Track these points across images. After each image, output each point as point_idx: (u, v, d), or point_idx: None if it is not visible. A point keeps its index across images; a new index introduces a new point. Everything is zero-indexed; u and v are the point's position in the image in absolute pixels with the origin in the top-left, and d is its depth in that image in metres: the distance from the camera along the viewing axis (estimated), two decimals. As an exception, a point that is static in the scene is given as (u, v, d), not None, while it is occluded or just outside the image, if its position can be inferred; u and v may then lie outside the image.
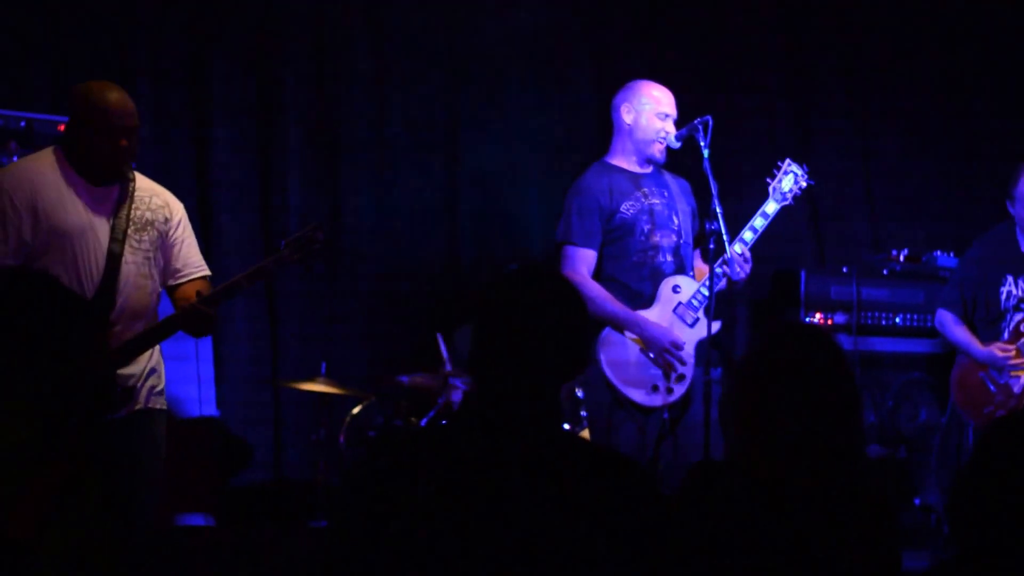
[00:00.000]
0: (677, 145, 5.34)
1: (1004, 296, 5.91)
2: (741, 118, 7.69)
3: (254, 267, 4.62)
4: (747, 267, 5.23)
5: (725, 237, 5.10)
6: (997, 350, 5.82)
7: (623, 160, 5.42)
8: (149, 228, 4.59)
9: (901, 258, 7.16)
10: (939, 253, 7.18)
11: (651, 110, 5.36)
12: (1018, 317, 5.84)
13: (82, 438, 2.71)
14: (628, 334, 5.23)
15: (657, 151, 5.36)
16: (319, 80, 7.36)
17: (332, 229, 7.25)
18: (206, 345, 6.79)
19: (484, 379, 2.59)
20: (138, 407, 4.52)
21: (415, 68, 7.44)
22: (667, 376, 5.23)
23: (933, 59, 7.98)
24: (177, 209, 4.71)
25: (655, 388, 5.23)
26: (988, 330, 5.95)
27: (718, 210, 5.07)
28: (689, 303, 5.29)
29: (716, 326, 5.25)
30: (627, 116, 5.39)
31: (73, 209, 4.47)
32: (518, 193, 7.47)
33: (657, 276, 5.32)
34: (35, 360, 2.75)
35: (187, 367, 6.65)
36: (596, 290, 5.23)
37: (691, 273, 5.39)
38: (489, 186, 7.51)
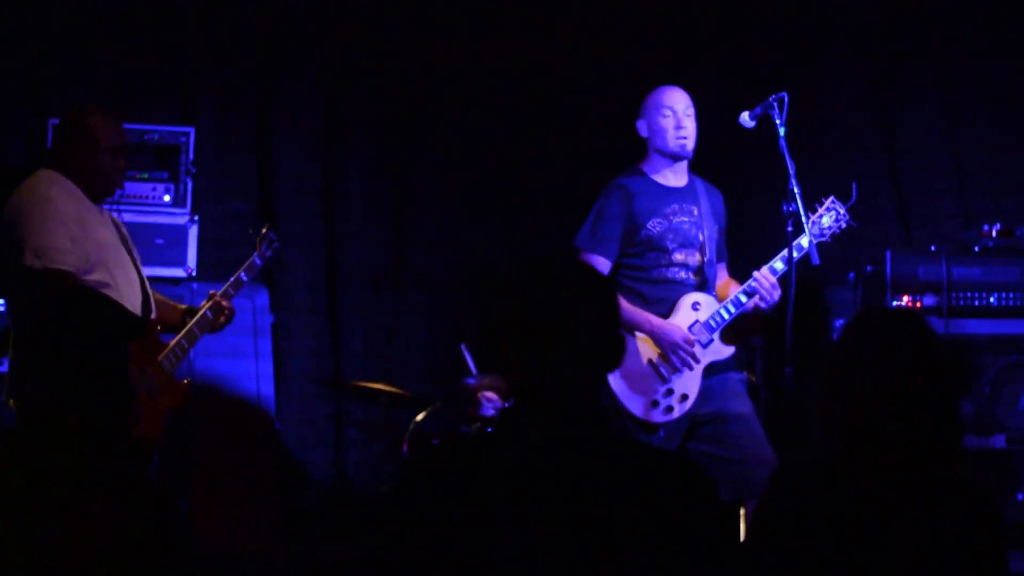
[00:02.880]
0: (751, 124, 5.31)
1: None
2: (820, 91, 7.44)
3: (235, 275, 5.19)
4: (775, 294, 5.21)
5: (804, 219, 5.08)
6: None
7: (655, 173, 5.43)
8: (131, 241, 4.99)
9: (993, 233, 6.79)
10: (1034, 226, 6.81)
11: (656, 112, 5.39)
12: None
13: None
14: (639, 335, 5.22)
15: (676, 146, 5.35)
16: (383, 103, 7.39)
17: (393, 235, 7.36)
18: (266, 361, 6.72)
19: (525, 380, 2.49)
20: None
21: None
22: (669, 393, 5.20)
23: (1019, 23, 7.56)
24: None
25: (655, 404, 5.20)
26: None
27: (796, 191, 5.05)
28: (707, 323, 5.27)
29: (728, 352, 5.28)
30: (643, 130, 5.45)
31: (101, 224, 4.81)
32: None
33: (676, 293, 5.31)
34: (103, 381, 2.88)
35: (247, 384, 6.57)
36: None
37: (713, 292, 5.37)
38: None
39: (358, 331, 7.28)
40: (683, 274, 5.30)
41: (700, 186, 5.46)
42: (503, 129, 7.36)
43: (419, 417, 6.58)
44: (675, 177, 5.40)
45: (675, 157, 5.36)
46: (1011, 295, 6.72)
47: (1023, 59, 7.54)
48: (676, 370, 5.18)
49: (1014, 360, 6.68)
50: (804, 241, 5.27)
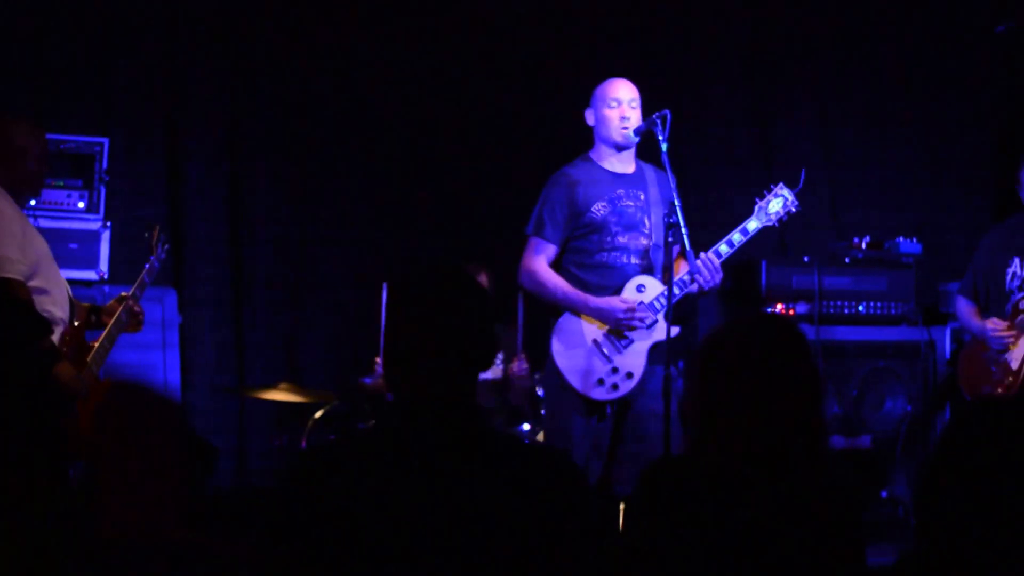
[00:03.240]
0: (636, 139, 5.39)
1: (1009, 277, 6.00)
2: (702, 109, 7.66)
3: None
4: (717, 277, 5.23)
5: (683, 231, 5.12)
6: (989, 324, 5.95)
7: (601, 160, 5.47)
8: None
9: (863, 245, 7.11)
10: (901, 239, 7.12)
11: (602, 102, 5.43)
12: (1019, 296, 5.92)
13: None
14: (584, 316, 5.27)
15: (619, 137, 5.38)
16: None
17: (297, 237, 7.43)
18: (173, 352, 6.83)
19: (400, 377, 2.57)
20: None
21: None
22: (615, 372, 5.26)
23: (892, 45, 7.94)
24: None
25: (600, 382, 5.26)
26: (997, 313, 6.04)
27: (676, 203, 5.11)
28: (651, 304, 5.30)
29: (674, 331, 5.22)
30: (590, 118, 5.49)
31: (36, 231, 4.88)
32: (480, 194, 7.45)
33: (620, 276, 5.35)
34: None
35: (154, 375, 6.68)
36: (551, 277, 5.35)
37: (659, 275, 5.38)
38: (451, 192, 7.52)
39: (262, 330, 7.37)
40: (626, 258, 5.33)
41: (649, 172, 5.48)
42: (409, 133, 7.48)
43: (318, 414, 6.69)
44: (621, 164, 5.44)
45: (619, 147, 5.40)
46: (879, 304, 7.04)
47: (893, 79, 7.88)
48: (619, 351, 5.25)
49: (880, 365, 6.99)
50: (751, 225, 5.36)
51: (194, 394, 7.16)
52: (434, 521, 2.43)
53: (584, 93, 5.52)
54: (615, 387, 5.27)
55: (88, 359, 4.98)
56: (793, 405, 2.80)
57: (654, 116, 5.26)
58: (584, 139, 5.55)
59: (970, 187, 7.87)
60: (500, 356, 7.03)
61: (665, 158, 5.19)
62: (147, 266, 5.46)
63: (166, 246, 5.60)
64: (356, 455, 2.54)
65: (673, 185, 5.18)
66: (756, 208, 5.41)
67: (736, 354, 2.85)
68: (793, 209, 5.46)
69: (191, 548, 2.71)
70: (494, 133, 7.50)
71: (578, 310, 5.29)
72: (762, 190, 5.47)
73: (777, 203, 5.44)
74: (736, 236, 5.34)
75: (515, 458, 2.55)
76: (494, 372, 7.00)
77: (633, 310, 5.23)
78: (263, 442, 7.21)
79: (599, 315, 5.25)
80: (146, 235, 5.59)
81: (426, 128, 7.52)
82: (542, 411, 6.43)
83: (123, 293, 5.28)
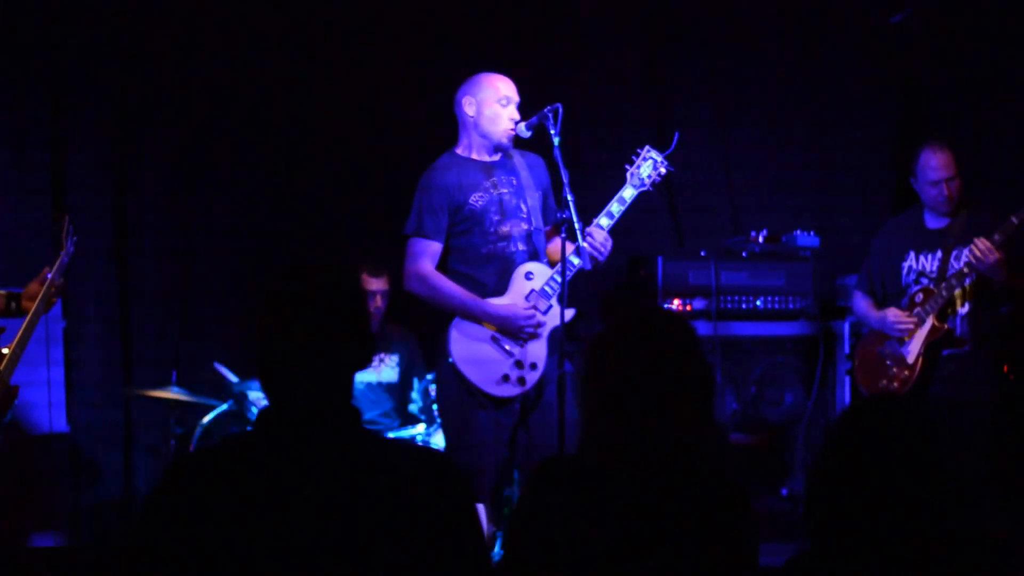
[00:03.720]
0: (528, 134, 5.31)
1: (905, 271, 6.00)
2: (599, 106, 7.57)
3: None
4: (608, 245, 5.23)
5: (577, 226, 5.06)
6: (889, 314, 5.94)
7: (471, 151, 5.40)
8: None
9: (760, 239, 7.04)
10: (799, 232, 7.06)
11: (491, 98, 5.34)
12: (915, 289, 5.92)
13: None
14: (481, 321, 5.21)
15: (504, 138, 5.33)
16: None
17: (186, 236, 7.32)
18: (58, 367, 6.77)
19: (272, 381, 2.56)
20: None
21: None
22: (518, 365, 5.21)
23: (788, 37, 7.85)
24: None
25: (506, 378, 5.20)
26: (893, 305, 6.02)
27: (570, 198, 5.03)
28: (542, 290, 5.26)
29: (570, 313, 5.20)
30: (469, 108, 5.37)
31: None
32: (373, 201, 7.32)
33: (508, 266, 5.30)
34: None
35: (38, 391, 6.55)
36: (443, 282, 5.26)
37: (544, 259, 5.35)
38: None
39: (149, 338, 7.23)
40: (513, 246, 5.28)
41: (517, 156, 5.44)
42: (299, 139, 7.35)
43: (205, 420, 6.58)
44: (490, 154, 5.39)
45: (498, 146, 5.35)
46: (776, 299, 6.98)
47: (790, 72, 7.82)
48: (521, 344, 5.20)
49: (779, 361, 6.94)
50: (627, 193, 5.33)
51: (79, 407, 7.01)
52: (307, 525, 2.40)
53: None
54: (521, 381, 5.23)
55: (1, 367, 4.95)
56: (684, 401, 2.79)
57: (546, 110, 5.18)
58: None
59: (868, 179, 7.79)
60: (397, 358, 6.97)
61: (558, 153, 5.11)
62: (59, 261, 5.33)
63: (74, 238, 5.44)
64: (229, 460, 2.50)
65: (566, 180, 5.09)
66: (628, 175, 5.39)
67: (625, 350, 2.84)
68: (664, 170, 5.43)
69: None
70: (387, 133, 7.37)
71: (478, 317, 5.22)
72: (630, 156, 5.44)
73: (647, 166, 5.41)
74: (615, 206, 5.32)
75: (391, 460, 2.53)
76: (389, 376, 6.93)
77: (532, 315, 5.19)
78: (149, 454, 7.09)
79: (499, 323, 5.19)
80: (54, 226, 5.48)
81: (317, 134, 7.38)
82: (434, 409, 6.40)
83: (44, 272, 5.21)
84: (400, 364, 6.97)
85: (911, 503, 2.58)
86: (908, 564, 2.58)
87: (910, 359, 5.85)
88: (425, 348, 6.86)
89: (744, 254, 7.03)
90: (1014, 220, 5.64)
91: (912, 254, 5.97)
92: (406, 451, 2.63)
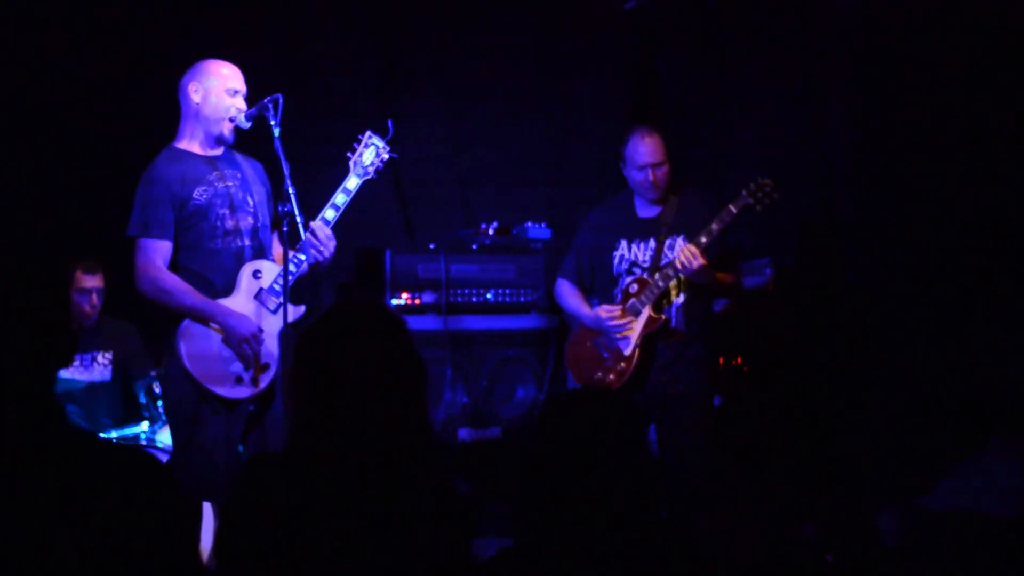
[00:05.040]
0: (247, 125, 5.20)
1: (617, 260, 5.88)
2: (329, 99, 7.40)
3: None
4: (331, 245, 5.14)
5: (299, 219, 4.95)
6: (602, 311, 5.81)
7: (193, 144, 5.23)
8: None
9: (491, 231, 6.96)
10: (530, 224, 7.00)
11: (219, 87, 5.19)
12: (628, 279, 5.80)
13: None
14: (212, 325, 5.09)
15: (227, 130, 5.19)
16: None
17: None
18: None
19: None
20: None
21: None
22: (250, 367, 5.09)
23: (521, 24, 7.76)
24: None
25: (239, 380, 5.08)
26: (604, 296, 5.94)
27: (291, 191, 4.91)
28: (271, 288, 5.15)
29: (299, 311, 5.13)
30: (195, 96, 5.20)
31: None
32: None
33: (237, 262, 5.16)
34: None
35: None
36: (173, 282, 5.08)
37: (271, 257, 5.26)
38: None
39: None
40: (239, 242, 5.15)
41: (237, 154, 5.33)
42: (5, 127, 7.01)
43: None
44: (211, 148, 5.24)
45: (219, 140, 5.21)
46: (507, 292, 6.91)
47: (521, 64, 7.74)
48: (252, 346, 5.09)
49: (510, 355, 6.87)
50: (351, 183, 5.25)
51: None
52: (10, 522, 2.32)
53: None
54: (255, 381, 5.10)
55: None
56: (392, 396, 2.76)
57: (266, 100, 5.04)
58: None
59: (603, 170, 7.69)
60: (111, 355, 6.76)
61: (278, 144, 4.98)
62: None
63: None
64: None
65: (287, 172, 4.96)
66: (351, 163, 5.31)
67: (332, 345, 2.81)
68: (387, 156, 5.37)
69: None
70: (105, 127, 7.08)
71: (208, 319, 5.08)
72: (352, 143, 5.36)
73: (370, 153, 5.34)
74: (340, 198, 5.23)
75: (95, 459, 2.44)
76: (104, 374, 6.73)
77: (259, 336, 5.07)
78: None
79: (227, 331, 5.05)
80: None
81: (31, 126, 7.04)
82: (158, 406, 6.24)
83: None
84: (115, 361, 6.77)
85: (608, 496, 2.64)
86: (608, 556, 2.63)
87: (627, 351, 5.75)
88: (148, 343, 6.66)
89: (474, 247, 6.94)
90: (732, 209, 5.61)
91: (624, 243, 5.88)
92: (111, 450, 2.54)
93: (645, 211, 5.92)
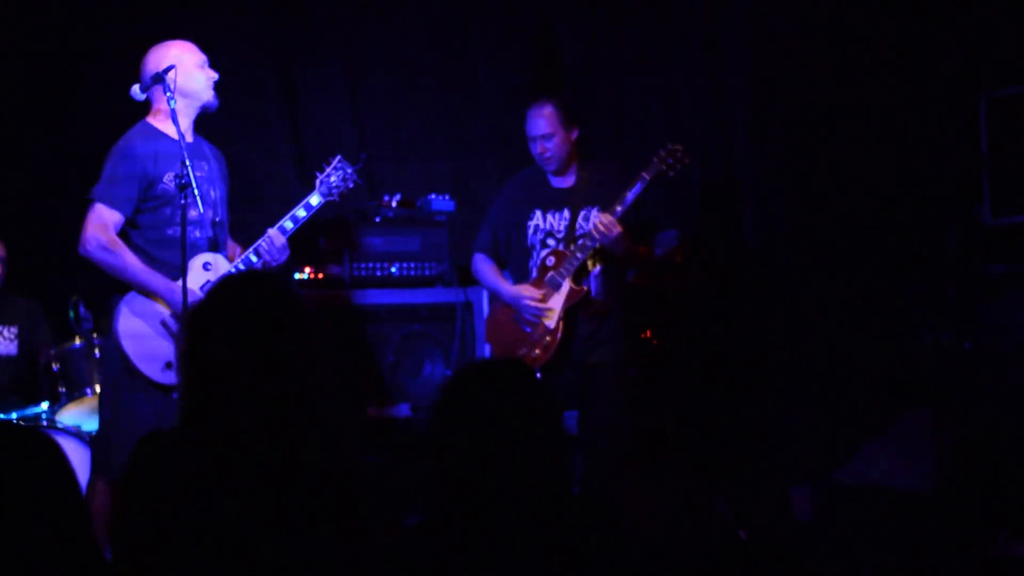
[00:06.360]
0: (142, 97, 5.11)
1: (532, 231, 5.88)
2: (221, 60, 7.07)
3: None
4: (284, 255, 5.23)
5: (195, 188, 4.83)
6: (524, 291, 5.80)
7: (167, 124, 5.10)
8: None
9: (394, 204, 6.78)
10: (434, 196, 6.83)
11: (191, 61, 5.18)
12: (544, 252, 5.80)
13: None
14: (157, 300, 5.05)
15: (210, 94, 5.22)
16: None
17: None
18: None
19: None
20: None
21: None
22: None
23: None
24: None
25: (169, 366, 5.04)
26: (519, 268, 5.94)
27: (188, 163, 4.80)
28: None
29: None
30: (172, 71, 5.07)
31: None
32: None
33: (191, 251, 5.05)
34: None
35: None
36: (126, 253, 5.05)
37: (225, 252, 5.25)
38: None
39: None
40: (198, 232, 5.11)
41: (205, 146, 5.31)
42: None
43: None
44: (187, 131, 5.18)
45: (205, 106, 5.22)
46: (412, 265, 6.75)
47: (420, 32, 7.53)
48: None
49: (416, 329, 6.71)
50: (314, 200, 5.31)
51: None
52: None
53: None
54: None
55: None
56: (283, 369, 2.73)
57: (161, 71, 4.98)
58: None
59: (505, 140, 7.53)
60: (16, 330, 6.63)
61: (174, 115, 4.88)
62: None
63: None
64: None
65: (184, 142, 4.89)
66: (317, 182, 5.41)
67: (220, 318, 2.79)
68: (352, 184, 5.48)
69: None
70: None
71: (152, 290, 5.04)
72: (321, 164, 5.45)
73: (337, 176, 5.44)
74: (300, 211, 5.29)
75: None
76: (7, 348, 6.60)
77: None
78: None
79: (172, 307, 5.03)
80: None
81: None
82: (88, 389, 6.05)
83: None
84: (20, 336, 6.62)
85: (515, 468, 2.60)
86: (516, 532, 2.60)
87: (551, 324, 5.72)
88: (51, 319, 6.56)
89: (377, 219, 6.75)
90: (646, 176, 5.62)
91: (539, 212, 5.87)
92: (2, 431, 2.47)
93: (559, 182, 5.92)
